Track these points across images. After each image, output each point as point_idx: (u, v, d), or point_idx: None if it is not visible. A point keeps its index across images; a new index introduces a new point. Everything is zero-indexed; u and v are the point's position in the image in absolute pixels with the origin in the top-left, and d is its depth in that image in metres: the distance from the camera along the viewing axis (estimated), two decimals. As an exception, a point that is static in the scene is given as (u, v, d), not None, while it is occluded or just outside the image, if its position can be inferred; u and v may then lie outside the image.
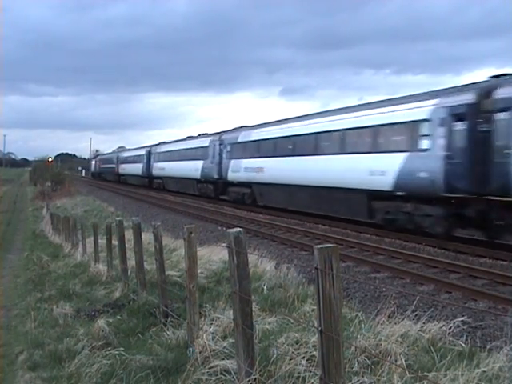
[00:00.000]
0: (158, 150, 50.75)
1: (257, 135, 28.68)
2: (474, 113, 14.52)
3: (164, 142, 53.66)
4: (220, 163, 33.07)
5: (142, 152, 55.45)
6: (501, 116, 13.85)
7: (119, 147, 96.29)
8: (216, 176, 33.58)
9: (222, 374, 4.74)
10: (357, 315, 6.43)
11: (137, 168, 56.42)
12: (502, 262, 12.66)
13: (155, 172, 51.11)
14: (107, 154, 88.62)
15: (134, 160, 58.98)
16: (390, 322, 5.92)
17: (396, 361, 4.81)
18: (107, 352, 5.74)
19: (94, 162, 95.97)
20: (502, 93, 14.00)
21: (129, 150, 70.88)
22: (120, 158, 69.00)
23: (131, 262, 9.46)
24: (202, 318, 6.15)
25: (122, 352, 5.68)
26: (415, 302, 7.49)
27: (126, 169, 63.77)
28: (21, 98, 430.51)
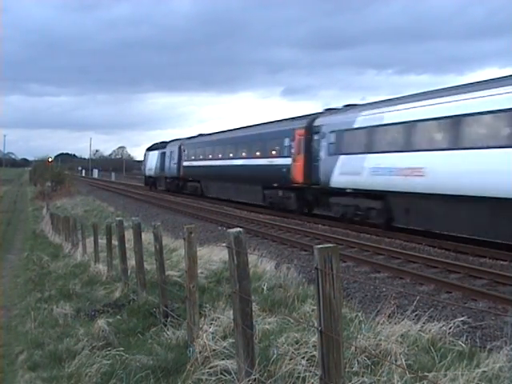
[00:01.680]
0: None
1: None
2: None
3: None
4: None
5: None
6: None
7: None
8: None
9: (222, 373, 4.74)
10: (357, 315, 6.43)
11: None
12: (502, 262, 12.66)
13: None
14: (226, 131, 37.13)
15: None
16: (389, 322, 5.92)
17: (396, 361, 4.80)
18: (107, 352, 5.73)
19: (158, 155, 47.89)
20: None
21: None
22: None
23: (131, 262, 9.46)
24: (202, 318, 6.14)
25: (122, 352, 5.67)
26: (415, 302, 7.49)
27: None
28: (22, 98, 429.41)
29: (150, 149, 53.59)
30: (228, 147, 33.15)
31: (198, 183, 38.39)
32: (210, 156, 35.55)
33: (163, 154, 46.47)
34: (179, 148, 42.16)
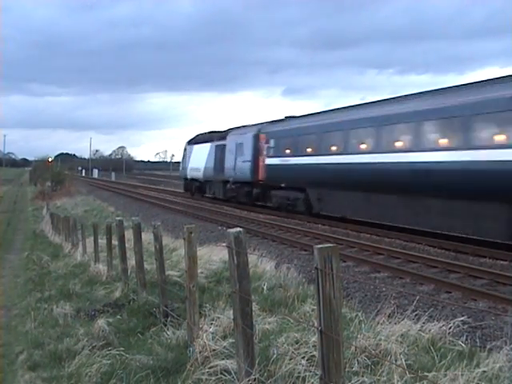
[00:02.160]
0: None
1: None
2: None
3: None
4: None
5: None
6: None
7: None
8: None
9: (222, 373, 4.74)
10: (357, 315, 6.43)
11: None
12: (502, 262, 12.65)
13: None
14: (373, 102, 20.54)
15: None
16: (389, 322, 5.92)
17: (396, 361, 4.80)
18: (107, 352, 5.73)
19: (212, 150, 33.71)
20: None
21: None
22: None
23: (131, 261, 9.45)
24: (202, 318, 6.15)
25: (122, 352, 5.67)
26: (415, 301, 7.50)
27: None
28: (22, 98, 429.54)
29: (193, 141, 38.22)
30: (389, 132, 17.74)
31: (300, 193, 23.37)
32: (335, 148, 20.84)
33: (221, 148, 31.86)
34: (255, 138, 27.77)
